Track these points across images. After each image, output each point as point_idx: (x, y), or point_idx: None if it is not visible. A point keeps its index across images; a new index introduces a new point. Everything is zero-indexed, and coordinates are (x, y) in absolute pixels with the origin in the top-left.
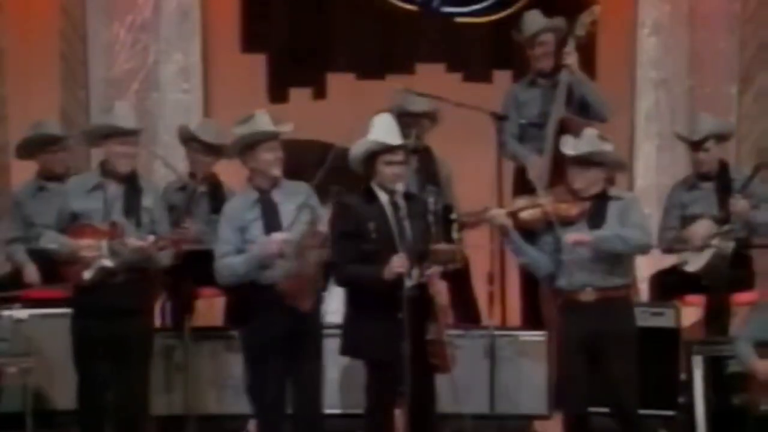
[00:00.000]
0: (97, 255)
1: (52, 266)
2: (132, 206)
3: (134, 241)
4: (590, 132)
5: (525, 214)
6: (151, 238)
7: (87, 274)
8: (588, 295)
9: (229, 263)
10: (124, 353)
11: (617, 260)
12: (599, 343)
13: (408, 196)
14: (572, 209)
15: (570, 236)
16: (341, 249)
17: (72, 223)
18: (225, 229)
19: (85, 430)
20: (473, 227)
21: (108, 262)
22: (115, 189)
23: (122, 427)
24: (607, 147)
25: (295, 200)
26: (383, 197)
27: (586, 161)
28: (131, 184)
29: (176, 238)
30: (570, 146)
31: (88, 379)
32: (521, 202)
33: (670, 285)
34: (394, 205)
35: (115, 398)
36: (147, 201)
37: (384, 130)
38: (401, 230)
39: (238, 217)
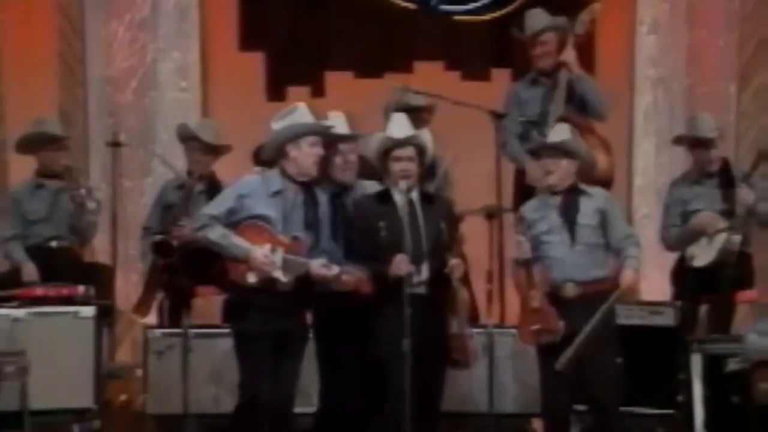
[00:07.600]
0: (269, 264)
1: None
2: (312, 219)
3: (319, 269)
4: (562, 126)
5: None
6: (336, 269)
7: (251, 278)
8: (570, 291)
9: None
10: (285, 348)
11: (596, 252)
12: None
13: (426, 197)
14: None
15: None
16: (355, 246)
17: (245, 221)
18: None
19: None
20: None
21: (280, 276)
22: (293, 196)
23: (275, 419)
24: (579, 141)
25: None
26: (399, 198)
27: (558, 151)
28: (310, 192)
29: (363, 278)
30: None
31: (253, 377)
32: None
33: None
34: (411, 206)
35: (271, 392)
36: (321, 211)
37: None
38: (415, 232)
39: None
